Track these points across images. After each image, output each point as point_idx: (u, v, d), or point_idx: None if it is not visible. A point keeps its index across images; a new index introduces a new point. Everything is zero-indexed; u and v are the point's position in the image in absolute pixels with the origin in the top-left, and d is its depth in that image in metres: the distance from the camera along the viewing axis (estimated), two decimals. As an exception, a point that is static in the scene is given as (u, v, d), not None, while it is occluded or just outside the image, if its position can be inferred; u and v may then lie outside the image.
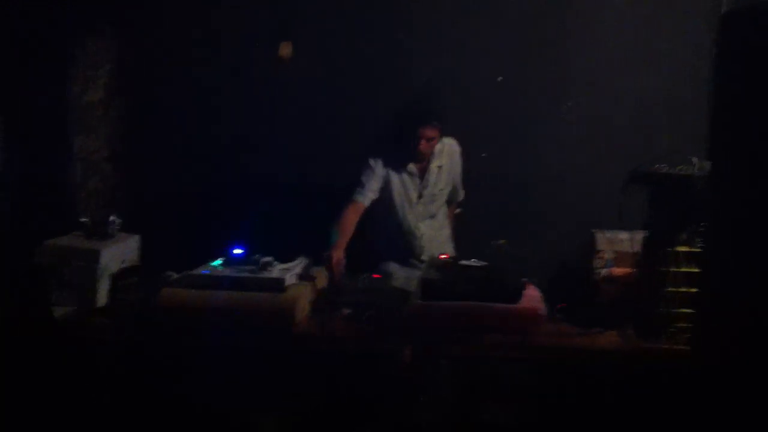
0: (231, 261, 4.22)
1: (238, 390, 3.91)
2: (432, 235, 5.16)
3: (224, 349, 3.86)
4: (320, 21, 5.93)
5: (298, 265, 4.27)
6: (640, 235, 4.07)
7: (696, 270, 3.81)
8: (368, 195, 4.96)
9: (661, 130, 5.64)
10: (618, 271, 4.23)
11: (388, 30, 5.92)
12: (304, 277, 4.29)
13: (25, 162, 5.29)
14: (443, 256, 4.42)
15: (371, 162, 5.01)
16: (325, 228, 4.72)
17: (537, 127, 5.84)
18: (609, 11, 5.81)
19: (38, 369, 3.88)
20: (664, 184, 3.93)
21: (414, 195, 5.08)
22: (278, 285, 4.01)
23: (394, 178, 5.04)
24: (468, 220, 5.47)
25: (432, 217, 5.17)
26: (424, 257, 4.95)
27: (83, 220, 4.39)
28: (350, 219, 4.84)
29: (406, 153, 5.00)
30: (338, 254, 4.50)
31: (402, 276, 4.74)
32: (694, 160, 3.89)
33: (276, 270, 4.12)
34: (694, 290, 3.79)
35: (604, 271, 4.24)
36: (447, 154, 5.12)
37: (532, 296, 4.01)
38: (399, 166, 5.04)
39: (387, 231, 5.12)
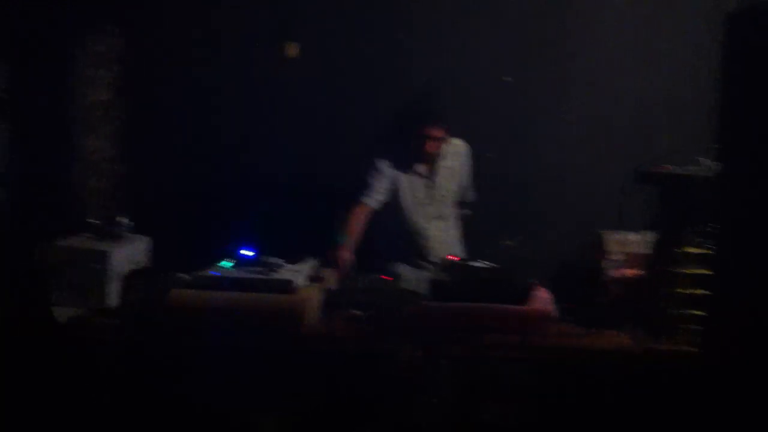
0: (240, 262, 4.20)
1: (243, 390, 3.90)
2: (441, 236, 5.14)
3: (233, 350, 3.85)
4: (320, 21, 5.93)
5: (306, 267, 4.26)
6: (649, 236, 4.08)
7: (704, 271, 3.81)
8: (375, 197, 4.96)
9: (662, 130, 5.67)
10: (628, 272, 4.23)
11: (388, 30, 5.93)
12: (313, 278, 4.28)
13: (28, 162, 5.27)
14: (452, 258, 4.42)
15: (379, 163, 5.00)
16: (331, 228, 4.73)
17: (538, 127, 5.86)
18: (609, 11, 5.83)
19: (40, 369, 3.86)
20: (671, 184, 3.94)
21: (423, 196, 5.07)
22: (287, 286, 3.99)
23: (402, 178, 5.03)
24: (474, 221, 5.46)
25: (441, 218, 5.16)
26: (432, 258, 4.95)
27: (93, 221, 4.37)
28: (357, 220, 4.85)
29: (413, 153, 4.99)
30: (346, 255, 4.51)
31: (411, 277, 4.73)
32: (702, 160, 3.90)
33: (285, 271, 4.11)
34: (702, 291, 3.80)
35: (613, 272, 4.24)
36: (456, 155, 5.12)
37: (543, 298, 4.01)
38: (407, 167, 5.04)
39: (396, 232, 5.10)
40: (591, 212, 5.28)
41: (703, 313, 3.73)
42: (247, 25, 5.91)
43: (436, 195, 5.10)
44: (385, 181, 4.99)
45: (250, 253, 4.23)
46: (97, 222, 4.38)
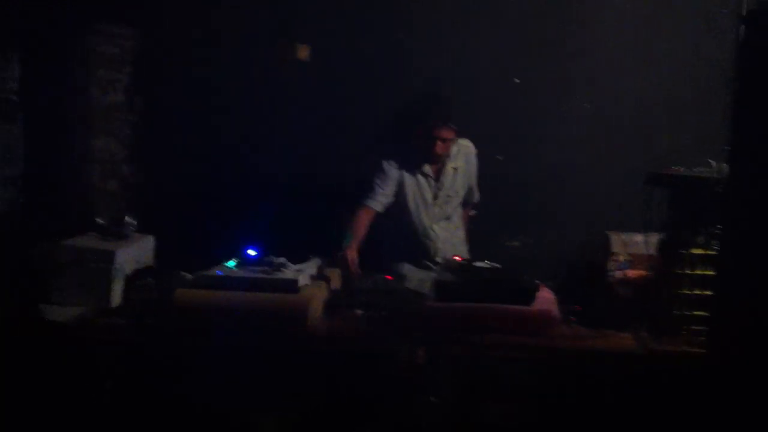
0: (244, 262, 4.19)
1: (244, 390, 3.89)
2: (447, 236, 5.14)
3: (237, 349, 3.85)
4: (321, 21, 5.93)
5: (311, 266, 4.26)
6: (654, 238, 4.08)
7: (711, 273, 3.81)
8: (380, 200, 4.96)
9: (662, 130, 5.68)
10: (633, 273, 4.24)
11: (388, 30, 5.93)
12: (318, 277, 4.28)
13: (37, 162, 5.28)
14: (457, 258, 4.42)
15: (384, 164, 5.00)
16: (336, 228, 4.73)
17: (539, 127, 5.88)
18: (609, 11, 5.84)
19: (41, 369, 3.85)
20: (681, 186, 3.94)
21: (429, 196, 5.07)
22: (292, 286, 3.99)
23: (409, 179, 5.03)
24: (478, 222, 5.47)
25: (447, 218, 5.15)
26: (438, 259, 4.93)
27: (99, 221, 4.37)
28: (362, 221, 4.86)
29: (421, 154, 4.99)
30: (352, 254, 4.51)
31: (416, 278, 4.72)
32: (712, 162, 3.91)
33: (289, 271, 4.10)
34: (708, 293, 3.80)
35: (618, 274, 4.24)
36: (463, 156, 5.12)
37: (546, 298, 4.01)
38: (414, 168, 5.03)
39: (401, 232, 5.10)
40: (594, 213, 5.33)
41: (709, 315, 3.73)
42: (247, 26, 5.92)
43: (442, 196, 5.09)
44: (390, 184, 4.99)
45: (254, 253, 4.23)
46: (103, 222, 4.37)
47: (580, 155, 5.78)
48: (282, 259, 4.15)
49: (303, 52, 5.91)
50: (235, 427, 3.96)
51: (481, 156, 5.21)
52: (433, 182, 5.06)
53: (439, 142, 4.87)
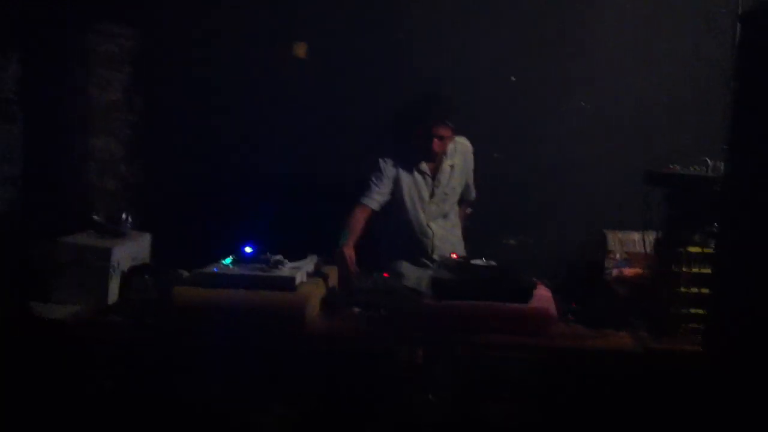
0: (241, 259, 4.19)
1: (243, 388, 3.89)
2: (444, 234, 5.14)
3: (234, 347, 3.85)
4: (321, 21, 5.93)
5: (308, 264, 4.26)
6: (651, 236, 4.08)
7: (708, 271, 3.81)
8: (376, 198, 4.96)
9: (662, 130, 5.68)
10: (629, 271, 4.24)
11: (388, 30, 5.93)
12: (315, 275, 4.28)
13: (37, 161, 5.29)
14: (454, 256, 4.42)
15: (381, 163, 5.00)
16: (333, 226, 4.73)
17: (538, 126, 5.89)
18: (609, 11, 5.84)
19: (41, 367, 3.85)
20: (679, 185, 3.94)
21: (426, 194, 5.06)
22: (289, 283, 3.97)
23: (405, 177, 5.03)
24: (476, 220, 5.46)
25: (444, 216, 5.15)
26: (435, 257, 4.93)
27: (95, 218, 4.37)
28: (358, 219, 4.86)
29: (418, 152, 4.99)
30: (349, 252, 4.52)
31: (413, 275, 4.72)
32: (708, 160, 3.90)
33: (286, 268, 4.10)
34: (706, 291, 3.80)
35: (615, 272, 4.24)
36: (460, 153, 5.11)
37: (543, 296, 4.00)
38: (410, 165, 5.03)
39: (398, 230, 5.10)
40: (593, 212, 5.31)
41: (706, 313, 3.73)
42: (247, 26, 5.92)
43: (439, 193, 5.08)
44: (386, 182, 4.99)
45: (250, 250, 4.23)
46: (100, 219, 4.37)
47: (580, 155, 5.79)
48: (279, 257, 4.14)
49: (300, 50, 5.91)
50: (233, 427, 3.95)
51: (480, 155, 5.20)
52: (430, 180, 5.06)
53: (436, 140, 4.87)
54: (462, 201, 5.30)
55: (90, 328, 3.96)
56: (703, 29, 5.48)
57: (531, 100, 5.88)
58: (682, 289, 3.88)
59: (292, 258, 4.23)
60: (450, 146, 5.01)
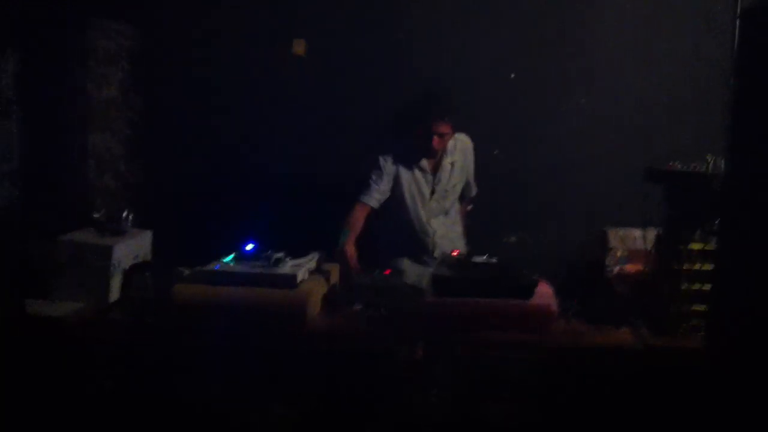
0: (242, 257, 4.18)
1: (243, 387, 3.89)
2: (444, 231, 5.15)
3: (235, 345, 3.84)
4: (320, 21, 5.93)
5: (309, 261, 4.24)
6: (652, 233, 4.08)
7: (709, 268, 3.80)
8: (375, 196, 4.98)
9: (662, 130, 5.68)
10: (630, 268, 4.23)
11: (388, 30, 5.94)
12: (317, 272, 4.27)
13: (36, 159, 5.28)
14: (455, 253, 4.41)
15: (381, 161, 5.01)
16: (333, 225, 4.73)
17: (538, 124, 5.89)
18: (609, 11, 5.84)
19: (41, 366, 3.85)
20: (680, 182, 3.93)
21: (426, 191, 5.07)
22: (290, 281, 3.97)
23: (405, 174, 5.03)
24: (476, 217, 5.46)
25: (445, 213, 5.16)
26: (436, 254, 4.94)
27: (96, 215, 4.36)
28: (358, 217, 4.89)
29: (418, 149, 4.99)
30: (350, 249, 4.52)
31: (414, 273, 4.73)
32: (708, 158, 3.90)
33: (288, 266, 4.09)
34: (707, 288, 3.79)
35: (616, 269, 4.23)
36: (460, 150, 5.12)
37: (545, 293, 3.99)
38: (410, 163, 5.03)
39: (399, 227, 5.11)
40: (593, 209, 5.32)
41: (707, 310, 3.73)
42: (247, 26, 5.92)
43: (439, 191, 5.09)
44: (385, 179, 5.00)
45: (251, 247, 4.22)
46: (100, 217, 4.36)
47: (580, 154, 5.79)
48: (280, 254, 4.13)
49: (299, 47, 5.91)
50: (233, 426, 3.94)
51: (481, 154, 5.20)
52: (430, 177, 5.06)
53: (436, 137, 4.87)
54: (463, 198, 5.31)
55: (90, 328, 3.96)
56: (703, 29, 5.48)
57: (531, 100, 5.88)
58: (683, 287, 3.87)
59: (294, 254, 4.23)
60: (450, 143, 5.01)
